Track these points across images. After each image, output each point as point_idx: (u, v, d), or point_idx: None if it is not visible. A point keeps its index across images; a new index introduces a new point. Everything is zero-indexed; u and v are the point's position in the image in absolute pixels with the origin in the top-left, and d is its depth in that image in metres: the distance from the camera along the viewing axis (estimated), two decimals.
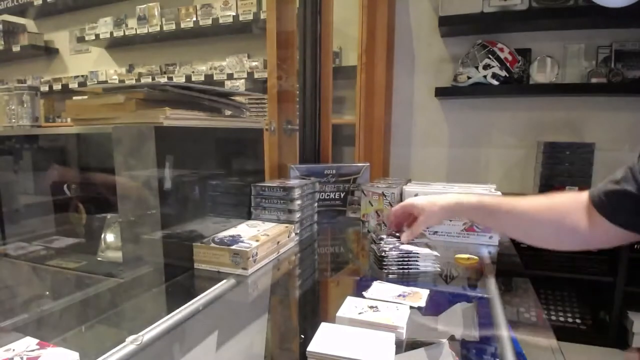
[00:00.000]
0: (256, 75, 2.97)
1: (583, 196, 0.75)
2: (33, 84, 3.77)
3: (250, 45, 3.11)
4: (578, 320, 2.10)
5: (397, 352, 0.57)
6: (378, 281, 0.84)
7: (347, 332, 0.60)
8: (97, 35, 3.45)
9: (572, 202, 0.76)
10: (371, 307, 0.69)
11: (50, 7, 3.64)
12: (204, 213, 1.05)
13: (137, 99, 0.91)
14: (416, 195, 1.20)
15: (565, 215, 0.75)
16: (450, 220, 1.18)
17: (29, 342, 0.54)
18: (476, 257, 1.04)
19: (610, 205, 0.69)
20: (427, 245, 0.99)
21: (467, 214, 0.97)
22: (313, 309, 0.89)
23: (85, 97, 1.05)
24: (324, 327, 0.61)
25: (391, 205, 1.23)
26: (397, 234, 1.02)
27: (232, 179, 1.18)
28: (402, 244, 0.98)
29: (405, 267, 0.95)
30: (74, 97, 1.24)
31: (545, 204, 0.79)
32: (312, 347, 0.56)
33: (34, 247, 1.16)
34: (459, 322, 0.73)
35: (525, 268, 1.05)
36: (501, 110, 2.39)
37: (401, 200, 1.24)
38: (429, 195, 1.00)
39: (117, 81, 3.53)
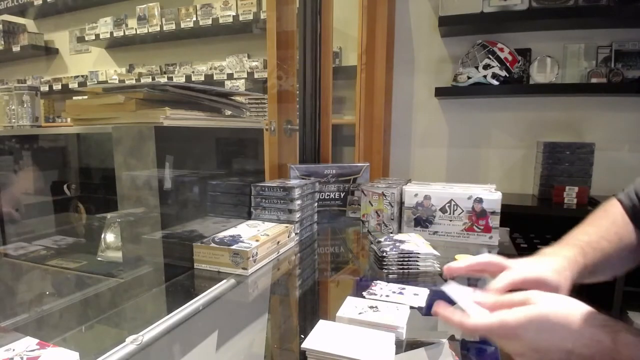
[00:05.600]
0: (256, 75, 2.97)
1: (620, 209, 0.68)
2: (33, 84, 3.77)
3: (250, 45, 3.11)
4: None
5: (397, 352, 0.57)
6: (378, 281, 0.84)
7: (346, 331, 0.60)
8: (97, 35, 3.45)
9: (623, 218, 0.67)
10: (371, 307, 0.69)
11: (50, 7, 3.64)
12: (204, 213, 1.05)
13: (137, 99, 0.91)
14: (415, 195, 1.20)
15: (629, 237, 0.67)
16: (451, 220, 1.18)
17: (29, 342, 0.54)
18: None
19: None
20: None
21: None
22: (313, 309, 0.89)
23: (85, 97, 1.05)
24: (322, 324, 0.61)
25: (391, 205, 1.23)
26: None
27: (232, 179, 1.18)
28: None
29: (405, 267, 0.95)
30: (74, 97, 1.24)
31: (615, 233, 0.67)
32: (307, 343, 0.56)
33: (34, 247, 1.16)
34: None
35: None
36: (501, 110, 2.39)
37: (401, 200, 1.24)
38: (541, 265, 0.64)
39: (117, 81, 3.53)
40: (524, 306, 0.50)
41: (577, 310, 0.49)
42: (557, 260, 0.62)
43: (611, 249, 0.66)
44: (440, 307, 0.55)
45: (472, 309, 0.53)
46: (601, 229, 0.68)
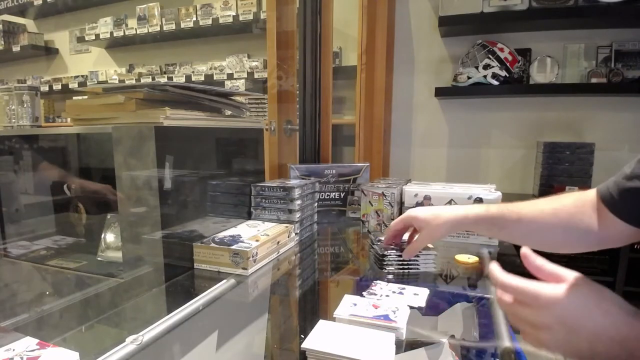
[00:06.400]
0: (256, 75, 2.97)
1: (589, 195, 0.71)
2: (33, 84, 3.77)
3: (250, 45, 3.11)
4: None
5: (397, 352, 0.57)
6: (378, 281, 0.84)
7: (346, 331, 0.60)
8: (97, 35, 3.45)
9: (578, 202, 0.72)
10: (371, 306, 0.69)
11: (50, 7, 3.63)
12: (204, 213, 1.05)
13: (137, 99, 0.91)
14: (415, 195, 1.20)
15: (574, 217, 0.71)
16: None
17: (29, 342, 0.54)
18: (476, 257, 1.04)
19: (625, 205, 0.64)
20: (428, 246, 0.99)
21: (472, 226, 0.86)
22: (313, 309, 0.89)
23: (85, 97, 1.05)
24: (321, 324, 0.61)
25: (391, 205, 1.23)
26: (395, 247, 0.95)
27: (232, 179, 1.18)
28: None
29: (406, 267, 0.95)
30: (74, 97, 1.24)
31: (551, 208, 0.74)
32: (307, 343, 0.56)
33: (35, 247, 1.16)
34: (459, 322, 0.73)
35: (525, 268, 1.05)
36: (501, 110, 2.38)
37: (401, 200, 1.25)
38: (432, 207, 0.93)
39: (117, 81, 3.53)
40: (558, 283, 0.52)
41: (609, 296, 0.51)
42: (446, 208, 0.88)
43: (534, 216, 0.74)
44: (494, 265, 0.57)
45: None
46: (538, 202, 0.76)
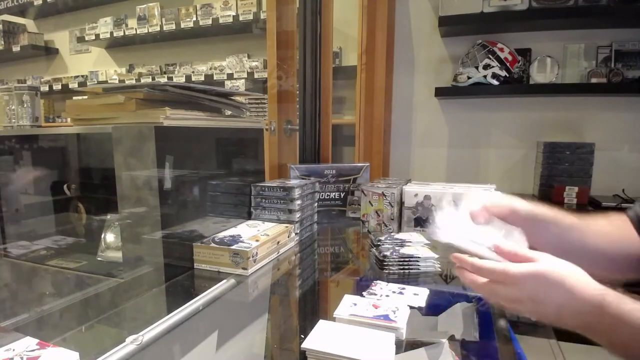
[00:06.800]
0: (256, 75, 2.97)
1: (624, 220, 0.71)
2: (33, 84, 3.77)
3: (250, 45, 3.11)
4: None
5: (397, 352, 0.57)
6: (378, 281, 0.84)
7: (346, 331, 0.60)
8: (97, 35, 3.45)
9: (626, 225, 0.70)
10: (371, 306, 0.69)
11: (50, 7, 3.63)
12: (204, 213, 1.05)
13: (137, 99, 0.91)
14: (415, 195, 1.20)
15: (628, 243, 0.69)
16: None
17: (29, 342, 0.54)
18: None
19: None
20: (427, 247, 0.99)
21: (543, 229, 0.70)
22: (313, 309, 0.89)
23: (85, 97, 1.05)
24: (321, 324, 0.61)
25: (391, 205, 1.23)
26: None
27: (232, 179, 1.18)
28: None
29: (406, 267, 0.95)
30: (74, 97, 1.24)
31: (609, 233, 0.70)
32: (307, 343, 0.56)
33: (34, 247, 1.16)
34: (459, 322, 0.73)
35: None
36: (501, 110, 2.38)
37: (401, 200, 1.25)
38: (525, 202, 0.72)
39: (117, 81, 3.52)
40: (527, 262, 0.56)
41: (574, 273, 0.55)
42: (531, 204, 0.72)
43: (595, 232, 0.71)
44: (456, 255, 0.61)
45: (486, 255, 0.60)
46: (590, 220, 0.74)
